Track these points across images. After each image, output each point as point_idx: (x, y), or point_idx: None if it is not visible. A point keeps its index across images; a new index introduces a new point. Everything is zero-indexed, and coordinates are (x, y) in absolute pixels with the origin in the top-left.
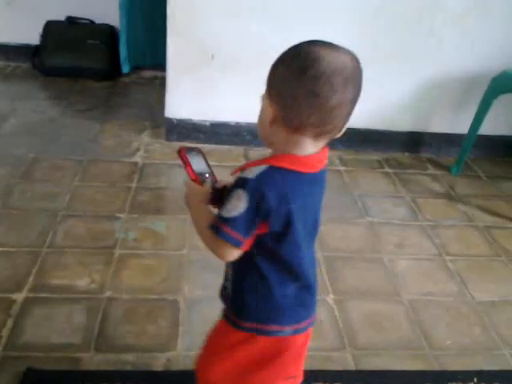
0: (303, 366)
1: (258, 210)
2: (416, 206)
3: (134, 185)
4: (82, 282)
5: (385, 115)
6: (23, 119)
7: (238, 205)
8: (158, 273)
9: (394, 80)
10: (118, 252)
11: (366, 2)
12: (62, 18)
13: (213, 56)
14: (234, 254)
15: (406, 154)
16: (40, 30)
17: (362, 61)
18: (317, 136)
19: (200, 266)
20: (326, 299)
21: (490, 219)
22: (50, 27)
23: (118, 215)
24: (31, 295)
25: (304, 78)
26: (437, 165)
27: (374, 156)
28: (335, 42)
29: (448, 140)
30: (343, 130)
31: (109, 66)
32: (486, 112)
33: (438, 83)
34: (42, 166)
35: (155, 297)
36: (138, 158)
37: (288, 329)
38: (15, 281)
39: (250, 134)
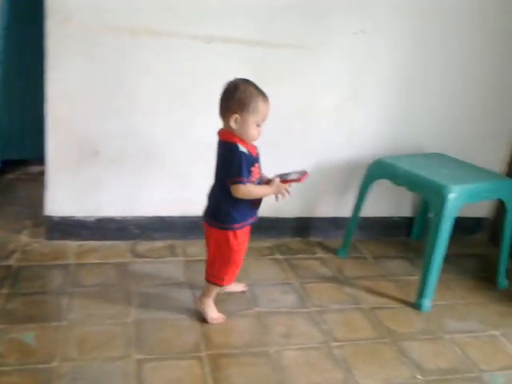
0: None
1: None
2: (304, 292)
3: (4, 291)
4: None
5: (274, 203)
6: None
7: None
8: None
9: (278, 170)
10: None
11: None
12: None
13: (97, 152)
14: None
15: (297, 239)
16: None
17: None
18: None
19: (71, 379)
20: None
21: (375, 300)
22: None
23: None
24: None
25: None
26: (325, 248)
27: (266, 243)
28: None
29: (335, 223)
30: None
31: None
32: (364, 196)
33: (321, 171)
34: None
35: None
36: (12, 261)
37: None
38: None
39: (138, 227)
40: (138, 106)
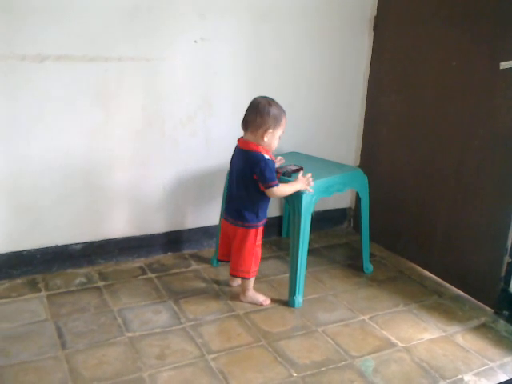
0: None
1: None
2: (179, 308)
3: None
4: None
5: (139, 220)
6: None
7: None
8: None
9: (137, 185)
10: None
11: (97, 112)
12: None
13: None
14: None
15: (170, 254)
16: None
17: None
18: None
19: None
20: None
21: (249, 304)
22: None
23: None
24: None
25: None
26: (199, 259)
27: (136, 263)
28: None
29: (206, 233)
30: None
31: None
32: None
33: (183, 182)
34: None
35: None
36: None
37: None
38: None
39: None
40: None
